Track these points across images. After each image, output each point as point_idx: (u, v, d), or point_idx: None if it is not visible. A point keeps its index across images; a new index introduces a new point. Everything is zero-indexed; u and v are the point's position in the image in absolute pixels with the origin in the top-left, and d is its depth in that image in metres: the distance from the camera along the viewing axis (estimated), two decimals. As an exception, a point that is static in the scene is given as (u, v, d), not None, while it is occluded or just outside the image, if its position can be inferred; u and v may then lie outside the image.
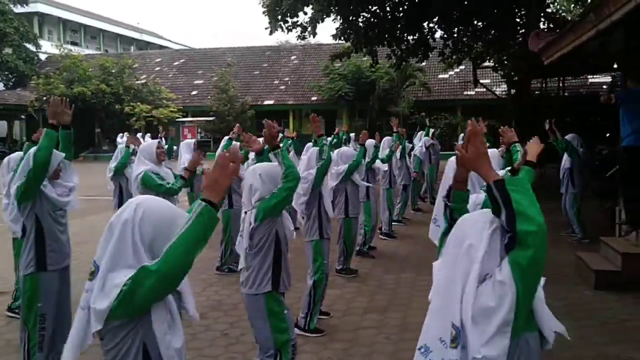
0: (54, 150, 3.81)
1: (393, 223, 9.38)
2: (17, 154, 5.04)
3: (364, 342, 4.77)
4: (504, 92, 25.68)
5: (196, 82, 34.14)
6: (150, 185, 4.88)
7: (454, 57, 20.18)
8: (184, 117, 31.10)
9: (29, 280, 3.80)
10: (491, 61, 20.90)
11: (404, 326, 5.12)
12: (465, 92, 29.19)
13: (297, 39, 17.81)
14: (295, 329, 4.73)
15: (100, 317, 1.91)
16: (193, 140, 8.80)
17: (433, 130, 13.46)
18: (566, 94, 18.25)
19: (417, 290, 6.19)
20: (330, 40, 20.05)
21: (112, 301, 1.87)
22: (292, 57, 35.28)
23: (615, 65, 16.41)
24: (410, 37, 18.58)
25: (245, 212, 3.61)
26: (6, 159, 5.29)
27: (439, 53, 19.34)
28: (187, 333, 4.79)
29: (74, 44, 43.61)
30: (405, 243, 8.73)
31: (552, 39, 7.28)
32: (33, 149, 3.89)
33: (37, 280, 3.79)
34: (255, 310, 3.56)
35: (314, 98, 30.52)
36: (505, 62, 19.83)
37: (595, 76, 25.25)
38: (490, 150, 4.90)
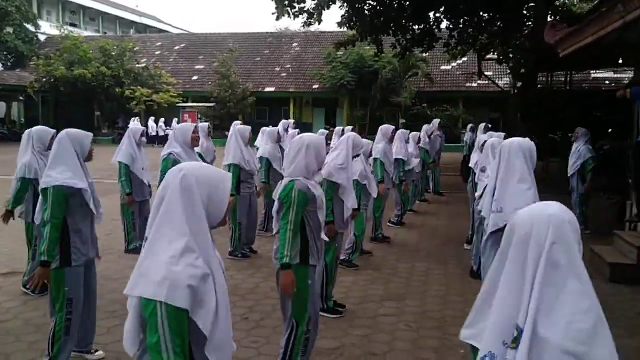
0: (84, 131, 3.78)
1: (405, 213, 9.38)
2: (39, 129, 4.95)
3: (385, 329, 4.76)
4: (506, 85, 25.69)
5: (197, 67, 33.93)
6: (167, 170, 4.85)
7: (458, 48, 20.09)
8: (184, 102, 30.97)
9: (55, 274, 3.70)
10: (495, 54, 20.83)
11: (423, 314, 5.12)
12: (467, 84, 29.14)
13: (303, 26, 17.69)
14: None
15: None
16: (207, 124, 8.72)
17: (439, 120, 13.39)
18: (568, 88, 18.21)
19: (432, 279, 6.20)
20: (333, 28, 19.96)
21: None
22: (294, 45, 35.09)
23: (620, 61, 16.50)
24: (415, 27, 18.49)
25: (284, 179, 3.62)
26: (27, 133, 5.26)
27: (444, 44, 19.27)
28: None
29: (72, 25, 43.12)
30: (415, 233, 8.74)
31: (572, 31, 7.24)
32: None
33: (62, 275, 3.71)
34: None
35: (315, 86, 30.41)
36: (511, 55, 19.83)
37: (598, 71, 25.22)
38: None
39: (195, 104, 30.88)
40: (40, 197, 3.85)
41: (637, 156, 7.47)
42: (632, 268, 5.98)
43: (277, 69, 32.68)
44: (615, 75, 25.32)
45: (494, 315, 1.64)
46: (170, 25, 57.01)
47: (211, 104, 29.86)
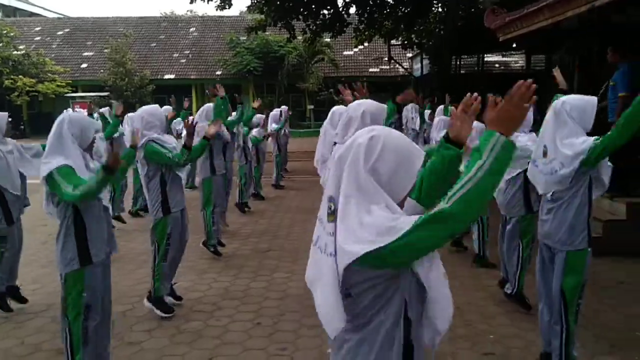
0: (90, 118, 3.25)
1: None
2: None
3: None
4: (407, 69, 26.52)
5: (86, 54, 31.46)
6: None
7: (365, 33, 20.37)
8: (73, 92, 28.57)
9: (71, 278, 3.22)
10: (399, 39, 21.36)
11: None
12: (370, 69, 29.72)
13: (217, 9, 16.99)
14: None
15: (346, 261, 1.56)
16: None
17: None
18: (462, 71, 19.12)
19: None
20: (230, 13, 19.40)
21: (376, 247, 1.50)
22: (191, 30, 33.70)
23: (514, 45, 17.59)
24: (325, 12, 18.48)
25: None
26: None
27: (354, 29, 19.47)
28: (216, 325, 4.41)
29: None
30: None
31: (522, 15, 7.47)
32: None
33: (81, 278, 3.22)
34: None
35: (218, 72, 29.42)
36: (416, 40, 20.47)
37: (488, 55, 26.79)
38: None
39: (86, 94, 28.59)
40: (45, 188, 3.27)
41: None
42: (600, 240, 6.32)
43: (176, 55, 31.20)
44: (504, 59, 27.07)
45: None
46: (43, 8, 52.30)
47: (105, 93, 27.83)
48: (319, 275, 1.68)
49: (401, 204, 1.67)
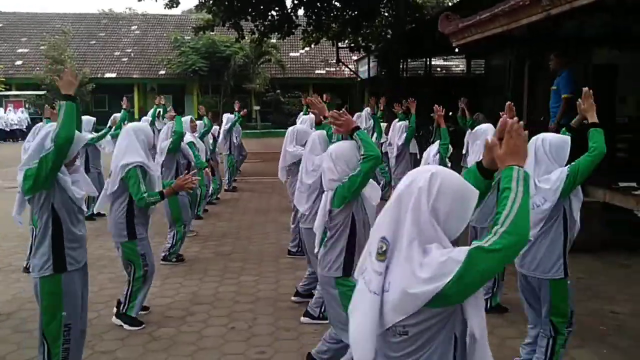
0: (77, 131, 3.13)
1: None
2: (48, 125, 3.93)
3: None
4: (354, 72, 26.85)
5: (20, 50, 30.03)
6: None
7: (313, 35, 20.50)
8: (6, 90, 27.19)
9: (47, 283, 3.08)
10: (345, 42, 21.62)
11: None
12: (316, 71, 29.88)
13: (165, 7, 16.68)
14: (305, 318, 4.57)
15: (415, 303, 1.61)
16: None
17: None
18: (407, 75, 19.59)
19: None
20: (174, 12, 19.12)
21: (439, 285, 1.57)
22: (133, 27, 32.80)
23: (457, 50, 18.18)
24: (274, 13, 18.50)
25: (324, 192, 3.35)
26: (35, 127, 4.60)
27: (303, 31, 19.58)
28: (189, 331, 4.34)
29: None
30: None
31: (477, 21, 7.72)
32: (47, 127, 3.16)
33: (57, 284, 3.09)
34: (327, 291, 3.41)
35: (161, 72, 28.82)
36: (363, 43, 20.78)
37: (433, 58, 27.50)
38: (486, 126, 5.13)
39: (20, 92, 27.33)
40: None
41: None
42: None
43: (117, 54, 30.27)
44: (445, 63, 27.87)
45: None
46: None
47: (41, 92, 26.65)
48: (359, 305, 1.75)
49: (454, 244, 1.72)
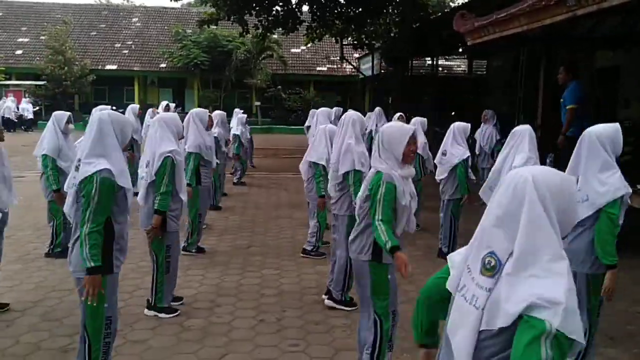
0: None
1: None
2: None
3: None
4: (353, 70, 26.85)
5: (21, 40, 29.78)
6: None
7: (317, 31, 20.48)
8: (6, 79, 27.00)
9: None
10: (349, 39, 21.61)
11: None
12: (318, 68, 29.84)
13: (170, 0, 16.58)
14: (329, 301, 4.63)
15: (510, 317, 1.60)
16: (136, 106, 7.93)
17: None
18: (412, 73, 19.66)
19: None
20: (174, 4, 18.92)
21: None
22: (134, 20, 32.59)
23: (460, 50, 18.23)
24: (278, 8, 18.46)
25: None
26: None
27: (307, 27, 19.56)
28: (219, 322, 4.35)
29: None
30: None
31: (495, 20, 7.74)
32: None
33: (103, 285, 3.05)
34: (360, 275, 3.45)
35: (162, 65, 28.69)
36: (366, 41, 20.80)
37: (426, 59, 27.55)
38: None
39: (21, 82, 27.11)
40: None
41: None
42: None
43: (118, 45, 30.09)
44: (447, 63, 27.95)
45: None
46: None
47: (41, 82, 26.48)
48: (462, 323, 1.71)
49: None
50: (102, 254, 3.02)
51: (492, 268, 1.65)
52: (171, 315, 4.48)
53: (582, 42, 10.06)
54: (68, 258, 3.17)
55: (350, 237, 3.48)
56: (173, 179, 4.34)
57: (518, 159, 4.52)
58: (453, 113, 17.92)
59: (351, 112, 4.81)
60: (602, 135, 3.38)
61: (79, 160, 3.10)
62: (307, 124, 10.57)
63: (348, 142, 4.61)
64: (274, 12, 18.25)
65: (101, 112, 3.16)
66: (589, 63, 11.65)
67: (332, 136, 5.80)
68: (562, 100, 7.47)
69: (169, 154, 4.29)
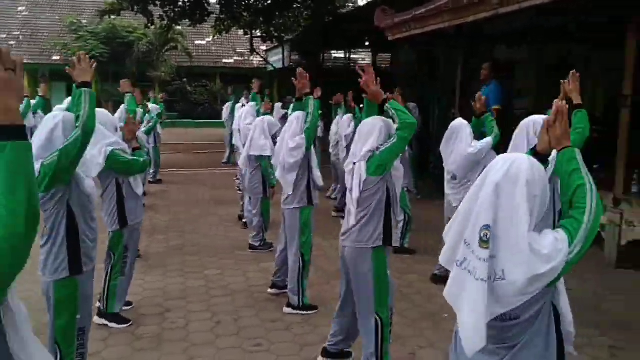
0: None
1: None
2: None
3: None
4: (261, 62, 26.62)
5: None
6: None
7: (225, 23, 20.12)
8: None
9: (63, 287, 2.84)
10: (258, 31, 21.45)
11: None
12: (224, 60, 29.25)
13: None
14: (288, 308, 4.55)
15: (541, 284, 1.72)
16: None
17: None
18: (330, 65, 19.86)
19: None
20: None
21: (561, 262, 1.71)
22: (20, 9, 30.04)
23: (367, 43, 18.71)
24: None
25: (355, 164, 3.34)
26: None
27: (215, 19, 19.17)
28: (174, 328, 4.16)
29: None
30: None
31: (418, 16, 7.98)
32: (53, 116, 2.88)
33: (74, 287, 2.86)
34: (360, 266, 3.33)
35: (55, 57, 26.75)
36: (274, 33, 20.74)
37: (334, 52, 27.90)
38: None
39: None
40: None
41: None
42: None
43: (3, 36, 27.63)
44: (353, 56, 28.52)
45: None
46: None
47: None
48: (464, 295, 1.80)
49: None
50: (68, 251, 2.84)
51: (487, 240, 1.75)
52: (124, 325, 4.21)
53: (482, 38, 10.59)
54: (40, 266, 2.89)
55: (350, 228, 3.34)
56: None
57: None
58: (361, 105, 18.36)
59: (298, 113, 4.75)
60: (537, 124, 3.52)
61: None
62: (224, 117, 10.30)
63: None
64: (180, 3, 17.71)
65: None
66: (489, 57, 12.39)
67: (271, 128, 5.79)
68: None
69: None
